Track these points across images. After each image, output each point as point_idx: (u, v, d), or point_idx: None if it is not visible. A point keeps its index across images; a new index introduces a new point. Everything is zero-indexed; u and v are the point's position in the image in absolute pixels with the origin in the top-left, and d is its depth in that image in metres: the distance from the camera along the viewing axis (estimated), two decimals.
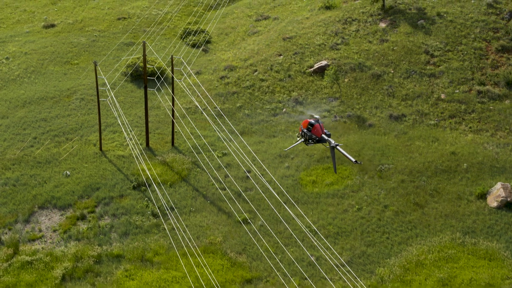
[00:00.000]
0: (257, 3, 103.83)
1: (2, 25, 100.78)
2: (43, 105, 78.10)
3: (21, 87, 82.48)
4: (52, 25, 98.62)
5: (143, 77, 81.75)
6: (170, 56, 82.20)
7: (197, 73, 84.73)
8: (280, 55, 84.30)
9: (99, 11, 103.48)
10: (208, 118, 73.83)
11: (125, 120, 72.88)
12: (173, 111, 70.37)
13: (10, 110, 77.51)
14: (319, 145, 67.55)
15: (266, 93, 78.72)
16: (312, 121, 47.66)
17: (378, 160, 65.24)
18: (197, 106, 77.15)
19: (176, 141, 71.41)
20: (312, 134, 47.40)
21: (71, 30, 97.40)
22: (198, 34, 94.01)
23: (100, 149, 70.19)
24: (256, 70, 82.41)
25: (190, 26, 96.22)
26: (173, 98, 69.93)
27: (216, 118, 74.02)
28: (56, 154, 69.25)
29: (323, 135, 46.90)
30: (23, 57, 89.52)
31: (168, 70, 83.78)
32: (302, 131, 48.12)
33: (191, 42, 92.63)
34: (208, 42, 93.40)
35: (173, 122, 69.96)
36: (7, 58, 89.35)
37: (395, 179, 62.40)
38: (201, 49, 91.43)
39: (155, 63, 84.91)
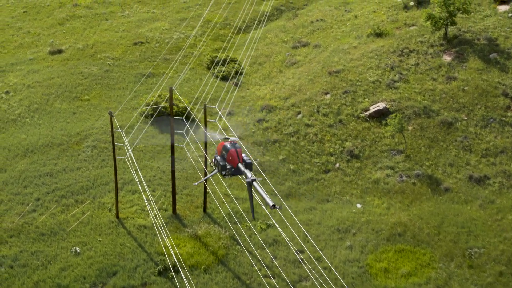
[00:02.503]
0: (292, 26, 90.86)
1: (3, 50, 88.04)
2: (48, 155, 65.31)
3: (22, 130, 69.72)
4: (59, 51, 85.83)
5: (165, 120, 68.97)
6: (199, 97, 69.37)
7: (229, 114, 71.82)
8: (327, 93, 71.38)
9: (113, 34, 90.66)
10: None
11: (143, 181, 59.93)
12: (205, 173, 57.34)
13: (9, 160, 64.73)
14: (384, 211, 54.77)
15: (313, 143, 65.79)
16: (228, 145, 37.88)
17: (465, 241, 52.23)
18: None
19: (208, 205, 58.55)
20: (227, 163, 37.51)
21: (81, 57, 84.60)
22: (227, 64, 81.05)
23: (117, 216, 57.42)
24: (299, 113, 69.50)
25: (217, 54, 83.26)
26: (205, 158, 56.92)
27: (255, 174, 61.09)
28: (64, 222, 56.51)
29: (239, 165, 36.50)
30: (26, 91, 76.79)
31: (194, 110, 70.93)
32: (215, 158, 38.52)
33: (219, 74, 79.70)
34: (239, 73, 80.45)
35: (205, 187, 56.99)
36: (7, 93, 76.61)
37: (491, 271, 49.38)
38: (231, 82, 78.61)
39: (179, 101, 72.05)
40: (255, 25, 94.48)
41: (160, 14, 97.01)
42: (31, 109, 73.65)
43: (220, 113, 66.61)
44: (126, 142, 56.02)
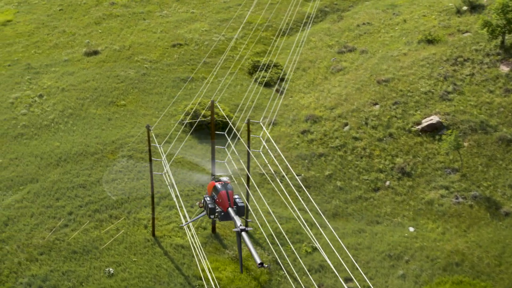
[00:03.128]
0: (337, 29, 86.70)
1: (37, 50, 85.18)
2: (82, 164, 62.17)
3: (55, 137, 66.68)
4: (95, 52, 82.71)
5: (205, 129, 65.59)
6: (239, 104, 65.79)
7: (272, 124, 68.05)
8: (376, 104, 67.27)
9: (151, 34, 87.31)
10: (287, 190, 57.12)
11: (180, 196, 56.46)
12: (247, 193, 53.69)
13: (41, 170, 61.71)
14: (440, 236, 50.72)
15: (362, 157, 61.78)
16: (218, 186, 33.69)
17: None
18: (275, 172, 60.50)
19: (249, 224, 54.84)
20: (216, 206, 33.56)
21: (118, 59, 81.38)
22: (270, 69, 77.24)
23: (153, 234, 54.03)
24: (346, 124, 65.49)
25: (259, 58, 79.47)
26: (248, 178, 53.25)
27: (299, 190, 57.41)
28: (97, 239, 53.25)
29: (229, 210, 32.05)
30: (60, 95, 73.75)
31: (234, 118, 67.37)
32: (204, 199, 34.61)
33: (261, 80, 75.95)
34: (282, 79, 76.62)
35: (247, 206, 53.36)
36: (40, 96, 73.65)
37: None
38: (274, 89, 74.83)
39: (220, 109, 68.32)
40: (299, 27, 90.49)
41: (200, 15, 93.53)
42: (65, 114, 70.63)
43: (263, 127, 62.79)
44: (164, 157, 52.46)
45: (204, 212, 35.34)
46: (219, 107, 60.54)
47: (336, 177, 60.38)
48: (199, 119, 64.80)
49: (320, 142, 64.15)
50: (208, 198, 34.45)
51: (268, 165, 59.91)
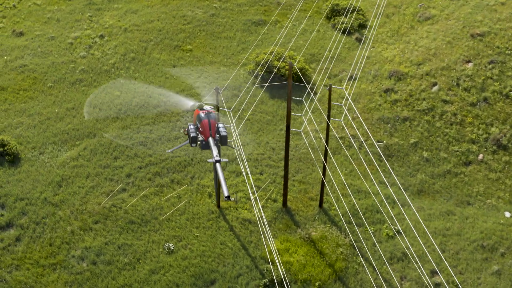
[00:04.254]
0: None
1: None
2: (143, 118, 57.19)
3: (116, 85, 61.51)
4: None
5: (277, 80, 59.58)
6: (315, 54, 59.46)
7: (350, 78, 61.61)
8: (469, 61, 59.97)
9: None
10: (366, 159, 51.24)
11: (246, 164, 51.09)
12: (324, 168, 47.85)
13: (99, 123, 56.94)
14: None
15: (451, 125, 55.12)
16: (202, 114, 33.37)
17: None
18: (353, 137, 54.51)
19: (325, 197, 49.37)
20: (199, 134, 33.30)
21: None
22: (349, 13, 70.13)
23: (218, 205, 48.92)
24: (435, 84, 58.58)
25: (338, 1, 72.27)
26: (326, 150, 47.30)
27: (380, 160, 51.49)
28: (157, 208, 48.55)
29: (210, 139, 32.24)
30: (122, 36, 68.33)
31: (310, 71, 61.15)
32: (188, 127, 34.16)
33: (340, 26, 69.00)
34: (362, 26, 69.52)
35: (323, 182, 47.66)
36: (101, 37, 68.34)
37: None
38: (353, 37, 67.95)
39: (295, 61, 62.12)
40: None
41: None
42: (127, 58, 65.34)
43: (347, 93, 56.46)
44: (233, 123, 46.89)
45: (186, 141, 34.60)
46: (295, 66, 54.21)
47: (422, 146, 54.02)
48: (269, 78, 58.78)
49: (405, 104, 57.60)
50: (192, 127, 33.95)
51: (346, 129, 53.89)
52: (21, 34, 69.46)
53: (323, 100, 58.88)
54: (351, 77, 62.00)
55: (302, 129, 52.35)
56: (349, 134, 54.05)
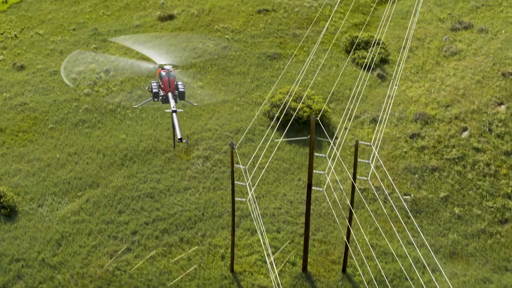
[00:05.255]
0: None
1: (106, 11, 75.53)
2: (150, 166, 53.00)
3: (121, 127, 57.52)
4: (170, 17, 72.58)
5: (294, 124, 55.44)
6: (335, 92, 55.30)
7: (373, 121, 57.29)
8: (501, 104, 55.68)
9: None
10: (392, 214, 46.86)
11: (261, 220, 46.83)
12: (348, 232, 43.47)
13: (103, 170, 52.77)
14: None
15: (485, 176, 50.71)
16: (163, 73, 37.86)
17: None
18: (377, 189, 50.19)
19: (348, 259, 45.03)
20: (160, 90, 37.91)
21: (195, 26, 71.12)
22: (370, 47, 65.88)
23: (232, 270, 44.62)
24: (465, 129, 54.23)
25: (358, 33, 68.03)
26: (350, 214, 42.93)
27: (408, 216, 47.13)
28: (165, 271, 44.31)
29: (169, 94, 37.17)
30: (129, 71, 64.36)
31: (329, 111, 57.01)
32: (151, 84, 38.31)
33: (360, 61, 64.75)
34: (384, 61, 65.22)
35: (346, 246, 43.33)
36: (107, 72, 64.26)
37: None
38: (374, 73, 63.74)
39: (313, 101, 57.95)
40: None
41: None
42: (133, 96, 61.25)
43: (374, 149, 52.20)
44: (249, 181, 42.65)
45: (150, 98, 38.63)
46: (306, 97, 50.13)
47: (453, 200, 49.61)
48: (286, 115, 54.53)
49: (433, 151, 53.22)
50: (154, 84, 37.94)
51: (370, 183, 49.59)
52: (22, 67, 65.58)
53: (344, 146, 54.62)
54: (373, 119, 57.66)
55: (325, 187, 48.03)
56: (372, 187, 49.72)
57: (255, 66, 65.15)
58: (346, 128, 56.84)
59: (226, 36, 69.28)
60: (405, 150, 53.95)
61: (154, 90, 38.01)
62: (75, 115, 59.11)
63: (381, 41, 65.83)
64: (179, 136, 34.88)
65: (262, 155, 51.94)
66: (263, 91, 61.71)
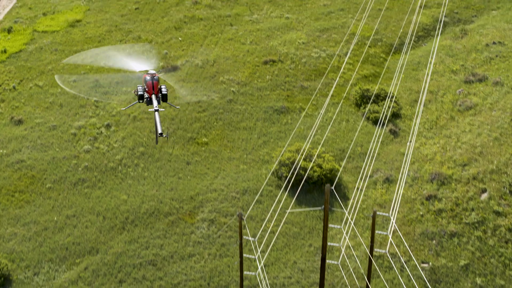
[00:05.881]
0: (461, 49, 71.93)
1: (108, 61, 72.91)
2: (153, 230, 50.18)
3: (122, 186, 54.76)
4: (174, 68, 69.92)
5: (304, 184, 52.73)
6: (345, 150, 52.74)
7: (386, 181, 54.55)
8: None
9: (238, 46, 74.30)
10: (410, 284, 43.88)
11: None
12: (367, 284, 40.54)
13: (103, 235, 49.96)
14: None
15: (507, 243, 47.89)
16: (147, 77, 40.53)
17: None
18: (394, 255, 47.23)
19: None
20: (145, 93, 40.67)
21: (200, 78, 68.80)
22: (382, 101, 63.40)
23: None
24: (484, 191, 51.45)
25: (368, 86, 65.65)
26: (369, 271, 39.98)
27: (426, 287, 44.14)
28: None
29: (153, 96, 40.06)
30: (131, 126, 61.76)
31: (340, 170, 54.39)
32: (137, 87, 40.93)
33: (371, 115, 62.26)
34: (396, 116, 62.74)
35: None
36: (107, 127, 61.78)
37: None
38: (386, 128, 61.18)
39: (323, 159, 55.32)
40: (414, 42, 75.85)
41: (296, 21, 79.96)
42: (135, 153, 58.60)
43: (392, 218, 49.52)
44: (258, 254, 39.82)
45: (136, 101, 41.50)
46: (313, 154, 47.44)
47: (474, 269, 46.67)
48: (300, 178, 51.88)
49: (451, 215, 50.41)
50: (140, 87, 40.69)
51: (388, 256, 46.70)
52: (20, 122, 63.15)
53: (356, 206, 51.86)
54: (387, 179, 54.96)
55: (339, 261, 45.19)
56: (388, 255, 46.81)
57: (262, 121, 62.65)
58: (358, 189, 54.14)
59: (232, 89, 66.93)
60: (421, 213, 51.18)
61: (139, 93, 40.62)
62: (74, 173, 56.46)
63: (392, 94, 63.40)
64: (159, 131, 37.78)
65: (269, 218, 49.20)
66: (271, 148, 59.15)
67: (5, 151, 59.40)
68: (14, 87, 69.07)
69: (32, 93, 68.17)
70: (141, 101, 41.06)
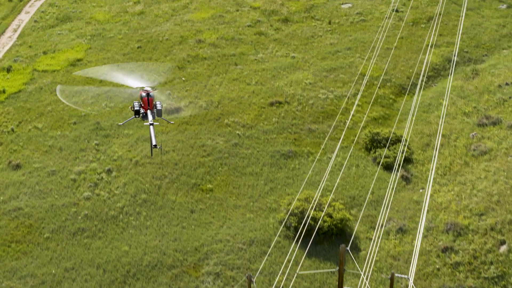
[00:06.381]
0: (473, 90, 69.95)
1: (109, 102, 71.34)
2: (156, 284, 47.76)
3: (124, 236, 52.38)
4: (177, 110, 68.24)
5: (315, 235, 50.38)
6: (356, 197, 50.44)
7: (400, 231, 52.16)
8: None
9: (244, 87, 72.38)
10: None
11: None
12: None
13: None
14: None
15: None
16: (143, 94, 42.72)
17: None
18: None
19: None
20: (141, 109, 42.96)
21: (204, 120, 66.78)
22: (391, 144, 61.22)
23: None
24: (503, 242, 49.12)
25: (378, 129, 63.55)
26: None
27: None
28: None
29: (148, 111, 42.30)
30: (132, 171, 59.51)
31: (352, 220, 52.08)
32: (133, 103, 43.11)
33: (382, 160, 60.01)
34: (408, 160, 60.46)
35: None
36: (109, 172, 59.54)
37: None
38: (397, 174, 58.90)
39: (334, 208, 53.00)
40: (424, 82, 73.87)
41: (302, 60, 78.12)
42: (137, 200, 56.31)
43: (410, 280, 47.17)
44: None
45: (133, 116, 43.36)
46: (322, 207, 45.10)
47: None
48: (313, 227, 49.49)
49: (468, 268, 47.91)
50: (136, 103, 42.69)
51: None
52: (18, 166, 60.96)
53: (368, 259, 49.38)
54: (400, 228, 52.57)
55: None
56: None
57: (268, 166, 60.42)
58: (370, 239, 51.75)
59: (237, 132, 64.81)
60: (437, 266, 48.72)
61: (135, 108, 42.89)
62: (74, 222, 54.12)
63: (403, 138, 61.25)
64: (154, 143, 39.56)
65: (280, 274, 46.78)
66: (278, 195, 56.85)
67: (2, 198, 57.20)
68: (12, 129, 67.03)
69: (31, 136, 66.06)
70: (137, 116, 43.18)
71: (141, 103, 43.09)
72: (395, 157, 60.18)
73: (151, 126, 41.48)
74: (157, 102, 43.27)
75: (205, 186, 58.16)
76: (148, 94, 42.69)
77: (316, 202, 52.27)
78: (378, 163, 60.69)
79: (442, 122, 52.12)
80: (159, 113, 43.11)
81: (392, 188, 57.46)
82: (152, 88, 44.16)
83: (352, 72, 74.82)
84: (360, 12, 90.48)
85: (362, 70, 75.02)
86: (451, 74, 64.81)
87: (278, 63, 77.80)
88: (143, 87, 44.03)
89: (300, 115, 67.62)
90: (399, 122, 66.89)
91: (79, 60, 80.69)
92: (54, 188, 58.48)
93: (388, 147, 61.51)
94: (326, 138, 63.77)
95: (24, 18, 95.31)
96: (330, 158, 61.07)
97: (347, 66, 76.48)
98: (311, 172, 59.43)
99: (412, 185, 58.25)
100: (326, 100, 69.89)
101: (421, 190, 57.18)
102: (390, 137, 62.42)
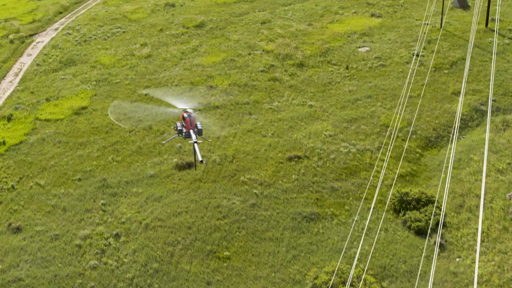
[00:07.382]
0: (505, 144, 65.46)
1: (116, 155, 66.90)
2: None
3: None
4: (189, 165, 63.71)
5: None
6: (387, 267, 45.77)
7: None
8: None
9: (259, 139, 67.86)
10: None
11: None
12: None
13: None
14: None
15: None
16: (185, 115, 47.39)
17: None
18: None
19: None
20: (183, 128, 47.48)
21: (218, 177, 62.08)
22: (421, 206, 56.52)
23: None
24: None
25: (406, 189, 58.88)
26: None
27: None
28: None
29: (191, 131, 46.64)
30: (142, 236, 54.76)
31: None
32: (176, 124, 47.62)
33: (412, 224, 55.31)
34: (442, 225, 55.60)
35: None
36: (116, 236, 54.83)
37: None
38: (431, 240, 54.15)
39: (364, 282, 48.06)
40: (450, 134, 69.29)
41: (320, 109, 73.69)
42: (148, 270, 51.43)
43: None
44: None
45: (176, 135, 47.65)
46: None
47: None
48: None
49: None
50: (179, 124, 47.40)
51: None
52: (18, 229, 56.39)
53: None
54: None
55: None
56: None
57: (289, 230, 55.69)
58: None
59: (254, 190, 60.15)
60: None
61: (178, 128, 47.24)
62: None
63: (434, 199, 56.54)
64: (200, 159, 43.03)
65: None
66: (302, 264, 52.04)
67: (1, 267, 52.30)
68: (13, 186, 62.47)
69: (32, 194, 61.43)
70: (180, 135, 47.12)
71: (183, 123, 47.43)
72: (426, 221, 55.44)
73: (195, 144, 45.43)
74: (198, 123, 47.52)
75: (221, 253, 53.39)
76: (189, 115, 46.97)
77: (345, 276, 47.44)
78: (409, 227, 55.89)
79: (483, 183, 47.48)
80: (199, 132, 47.31)
81: (418, 256, 52.72)
82: (193, 110, 49.62)
83: (374, 123, 70.37)
84: (379, 56, 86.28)
85: (384, 121, 70.54)
86: (487, 127, 60.21)
87: (295, 113, 73.38)
88: (186, 109, 48.83)
89: (321, 171, 62.99)
90: (428, 180, 62.24)
91: (83, 108, 76.38)
92: (58, 255, 53.74)
93: (418, 209, 56.82)
94: (350, 198, 59.14)
95: (26, 61, 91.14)
96: (356, 221, 56.35)
97: (369, 116, 72.05)
98: (336, 237, 54.68)
99: (447, 252, 53.47)
100: (348, 155, 65.32)
101: (457, 259, 52.36)
102: (420, 198, 57.75)
